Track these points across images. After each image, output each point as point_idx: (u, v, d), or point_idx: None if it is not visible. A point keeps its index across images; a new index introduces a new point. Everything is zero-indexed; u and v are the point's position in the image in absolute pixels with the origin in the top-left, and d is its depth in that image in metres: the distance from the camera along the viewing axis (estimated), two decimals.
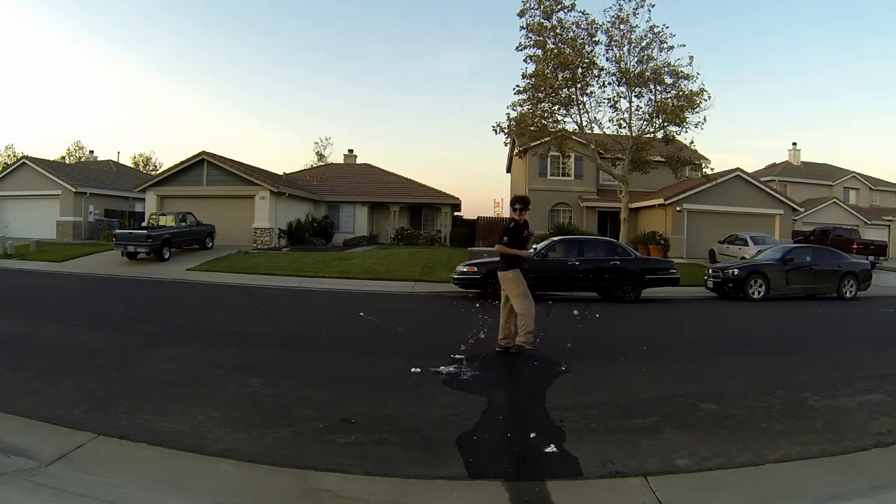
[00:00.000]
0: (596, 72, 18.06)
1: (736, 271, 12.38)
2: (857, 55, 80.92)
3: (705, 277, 13.22)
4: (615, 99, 18.43)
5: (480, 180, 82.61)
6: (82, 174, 27.13)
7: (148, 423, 3.60)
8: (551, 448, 3.33)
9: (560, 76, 17.49)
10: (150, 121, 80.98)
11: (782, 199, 24.23)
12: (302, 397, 4.30)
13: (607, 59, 18.08)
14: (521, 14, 17.48)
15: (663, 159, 19.45)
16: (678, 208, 22.40)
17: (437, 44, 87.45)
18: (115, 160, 38.25)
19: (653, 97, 18.15)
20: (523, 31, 17.53)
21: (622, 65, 17.97)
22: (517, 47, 17.82)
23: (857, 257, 16.39)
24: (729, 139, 75.62)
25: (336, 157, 43.60)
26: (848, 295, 12.88)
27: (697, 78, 17.77)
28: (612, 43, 17.82)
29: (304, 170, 32.60)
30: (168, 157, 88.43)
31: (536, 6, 17.25)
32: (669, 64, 17.76)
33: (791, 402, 4.37)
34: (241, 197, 21.87)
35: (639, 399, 4.39)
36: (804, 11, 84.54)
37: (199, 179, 22.13)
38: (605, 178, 25.44)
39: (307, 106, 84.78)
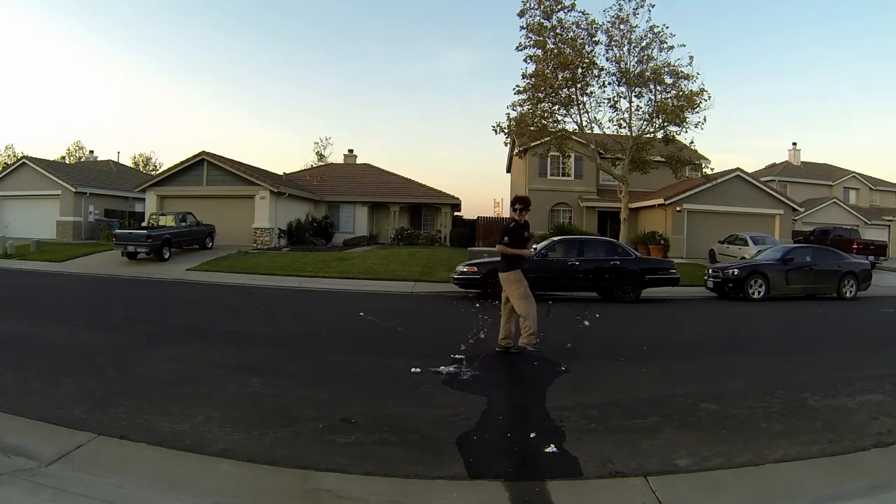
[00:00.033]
0: (596, 72, 18.07)
1: (736, 271, 12.38)
2: (857, 55, 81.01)
3: (705, 277, 13.22)
4: (615, 99, 18.46)
5: (480, 180, 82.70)
6: (82, 174, 27.13)
7: (148, 423, 3.60)
8: (551, 448, 3.33)
9: (560, 76, 17.49)
10: (150, 121, 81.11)
11: (782, 199, 24.23)
12: (302, 397, 4.30)
13: (607, 59, 18.12)
14: (521, 14, 17.49)
15: (663, 159, 19.45)
16: (678, 208, 22.40)
17: (437, 44, 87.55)
18: (115, 160, 38.26)
19: (653, 97, 18.16)
20: (523, 31, 17.54)
21: (622, 65, 17.98)
22: (517, 47, 17.84)
23: (857, 257, 16.39)
24: (729, 139, 75.72)
25: (336, 157, 43.67)
26: (848, 295, 12.88)
27: (697, 78, 17.80)
28: (612, 43, 17.82)
29: (304, 170, 32.61)
30: (168, 157, 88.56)
31: (536, 6, 17.25)
32: (669, 64, 17.78)
33: (791, 402, 4.37)
34: (241, 197, 21.87)
35: (639, 399, 4.39)
36: (804, 11, 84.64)
37: (199, 179, 22.13)
38: (605, 178, 25.44)
39: (307, 106, 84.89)
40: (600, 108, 19.18)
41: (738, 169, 23.59)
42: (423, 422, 3.77)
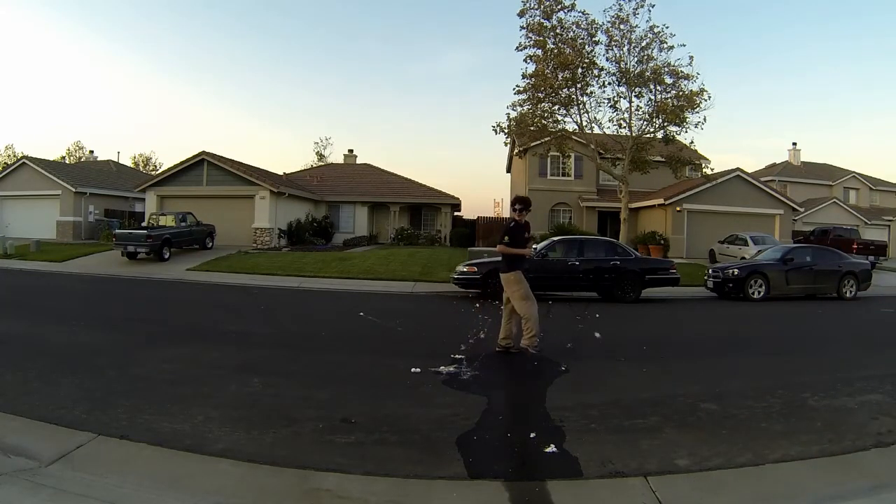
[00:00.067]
0: (596, 72, 18.07)
1: (736, 271, 12.38)
2: (857, 55, 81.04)
3: (705, 277, 13.22)
4: (615, 99, 18.47)
5: (480, 180, 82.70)
6: (82, 174, 27.14)
7: (148, 423, 3.60)
8: (551, 448, 3.33)
9: (560, 76, 17.49)
10: (150, 121, 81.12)
11: (782, 199, 24.24)
12: (302, 397, 4.30)
13: (607, 59, 18.12)
14: (521, 14, 17.49)
15: (663, 159, 19.45)
16: (678, 208, 22.40)
17: (437, 44, 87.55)
18: (115, 160, 38.26)
19: (653, 97, 18.16)
20: (523, 31, 17.55)
21: (622, 65, 17.98)
22: (517, 47, 17.84)
23: (857, 257, 16.39)
24: (729, 139, 75.73)
25: (336, 157, 43.68)
26: (848, 295, 12.88)
27: (697, 78, 17.81)
28: (612, 43, 17.83)
29: (304, 170, 32.61)
30: (168, 157, 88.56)
31: (536, 6, 17.26)
32: (669, 64, 17.78)
33: (791, 402, 4.37)
34: (241, 197, 21.87)
35: (639, 399, 4.39)
36: (804, 11, 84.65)
37: (199, 179, 22.14)
38: (605, 178, 25.45)
39: (307, 106, 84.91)
40: (600, 108, 19.23)
41: (738, 169, 23.59)
42: (423, 422, 3.77)
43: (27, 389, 4.29)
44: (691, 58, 17.78)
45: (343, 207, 26.79)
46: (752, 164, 63.16)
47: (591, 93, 18.34)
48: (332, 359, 5.78)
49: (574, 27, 17.54)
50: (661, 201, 22.84)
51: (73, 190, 24.05)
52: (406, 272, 14.64)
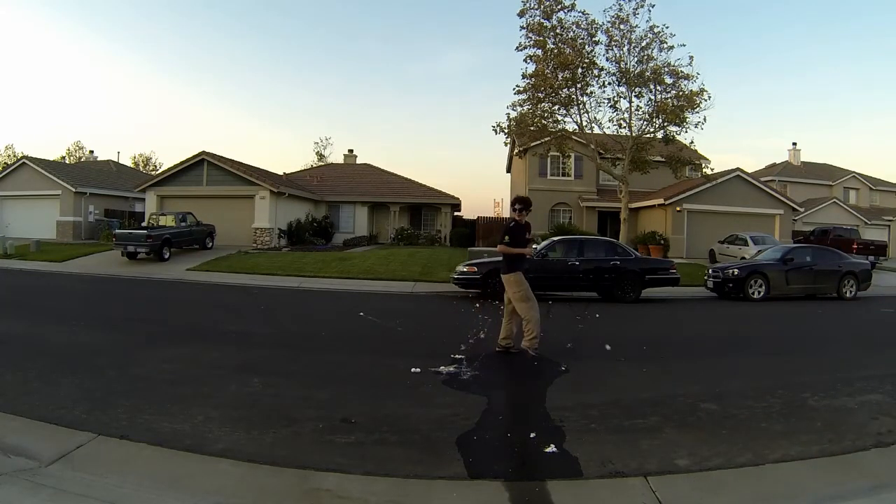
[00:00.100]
0: (596, 72, 18.07)
1: (736, 271, 12.38)
2: (857, 55, 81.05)
3: (705, 277, 13.21)
4: (615, 99, 18.47)
5: (480, 180, 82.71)
6: (82, 174, 27.14)
7: (148, 423, 3.60)
8: (551, 448, 3.33)
9: (560, 76, 17.49)
10: (150, 121, 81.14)
11: (782, 199, 24.24)
12: (302, 397, 4.30)
13: (607, 59, 18.12)
14: (521, 14, 17.49)
15: (663, 159, 19.45)
16: (678, 208, 22.40)
17: (437, 44, 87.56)
18: (115, 160, 38.27)
19: (653, 97, 18.16)
20: (523, 31, 17.55)
21: (622, 65, 17.98)
22: (517, 47, 17.85)
23: (857, 257, 16.38)
24: (729, 139, 75.75)
25: (336, 157, 43.68)
26: (848, 295, 12.88)
27: (697, 78, 17.81)
28: (612, 43, 17.83)
29: (304, 170, 32.61)
30: (168, 157, 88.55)
31: (536, 6, 17.26)
32: (669, 64, 17.78)
33: (791, 402, 4.37)
34: (241, 197, 21.87)
35: (639, 399, 4.39)
36: (804, 11, 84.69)
37: (199, 179, 22.14)
38: (605, 178, 25.45)
39: (307, 106, 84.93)
40: (600, 108, 19.23)
41: (738, 169, 23.59)
42: (423, 422, 3.77)
43: (27, 389, 4.29)
44: (691, 58, 17.82)
45: (343, 207, 26.79)
46: (752, 164, 63.24)
47: (591, 93, 18.38)
48: (332, 359, 5.78)
49: (574, 27, 17.56)
50: (661, 201, 22.84)
51: (73, 190, 24.05)
52: (406, 272, 14.63)
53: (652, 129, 18.58)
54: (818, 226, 26.02)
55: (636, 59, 17.90)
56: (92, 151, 41.07)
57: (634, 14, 17.53)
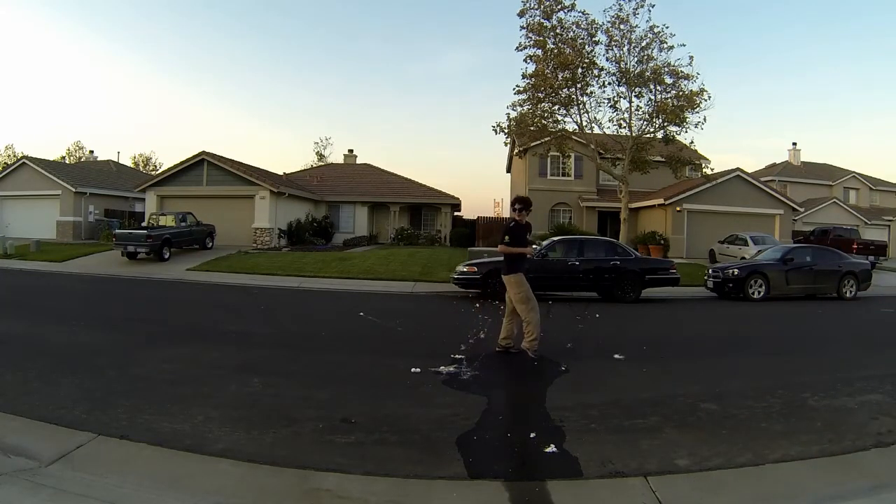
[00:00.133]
0: (596, 72, 18.07)
1: (736, 271, 12.38)
2: (857, 55, 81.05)
3: (705, 277, 13.22)
4: (615, 99, 18.47)
5: (480, 180, 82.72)
6: (82, 174, 27.13)
7: (148, 423, 3.60)
8: (551, 448, 3.33)
9: (560, 76, 17.49)
10: (150, 121, 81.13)
11: (782, 199, 24.24)
12: (302, 397, 4.30)
13: (607, 59, 18.13)
14: (521, 14, 17.49)
15: (663, 159, 19.46)
16: (678, 208, 22.40)
17: (437, 44, 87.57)
18: (115, 160, 38.27)
19: (653, 97, 18.16)
20: (523, 31, 17.55)
21: (622, 65, 17.98)
22: (517, 47, 17.85)
23: (857, 257, 16.39)
24: (729, 139, 75.74)
25: (336, 157, 43.68)
26: (848, 295, 12.88)
27: (697, 78, 17.81)
28: (612, 43, 17.83)
29: (304, 170, 32.61)
30: (168, 157, 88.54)
31: (536, 6, 17.26)
32: (669, 64, 17.79)
33: (791, 402, 4.37)
34: (241, 197, 21.87)
35: (639, 399, 4.39)
36: (804, 11, 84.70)
37: (199, 179, 22.13)
38: (605, 178, 25.45)
39: (307, 106, 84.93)
40: (600, 108, 19.24)
41: (738, 169, 23.59)
42: (423, 422, 3.77)
43: (27, 389, 4.29)
44: (691, 58, 17.82)
45: (343, 207, 26.79)
46: (752, 164, 63.24)
47: (591, 93, 18.38)
48: (332, 359, 5.78)
49: (574, 27, 17.57)
50: (661, 201, 22.84)
51: (73, 190, 24.05)
52: (406, 272, 14.63)
53: (652, 129, 18.58)
54: (818, 226, 26.02)
55: (636, 59, 17.92)
56: (92, 151, 41.12)
57: (634, 14, 17.56)
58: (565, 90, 17.85)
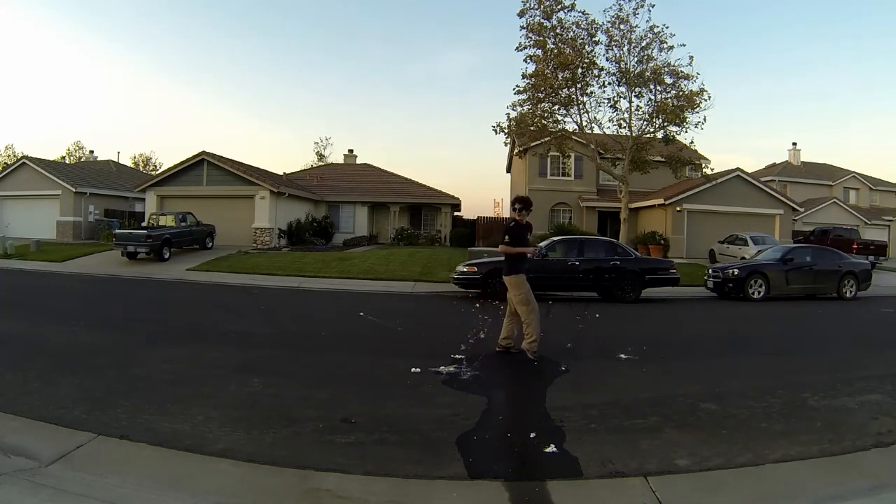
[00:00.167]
0: (596, 72, 18.07)
1: (736, 271, 12.38)
2: (857, 55, 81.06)
3: (705, 277, 13.21)
4: (615, 99, 18.47)
5: (480, 180, 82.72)
6: (82, 174, 27.13)
7: (148, 423, 3.60)
8: (551, 448, 3.33)
9: (560, 76, 17.49)
10: (150, 121, 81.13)
11: (782, 199, 24.24)
12: (302, 397, 4.30)
13: (607, 59, 18.13)
14: (521, 14, 17.49)
15: (663, 159, 19.46)
16: (678, 208, 22.40)
17: (437, 44, 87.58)
18: (115, 160, 38.26)
19: (653, 97, 18.16)
20: (523, 31, 17.55)
21: (622, 65, 17.98)
22: (517, 47, 17.85)
23: (857, 257, 16.39)
24: (729, 139, 75.75)
25: (336, 157, 43.68)
26: (848, 295, 12.88)
27: (697, 78, 17.81)
28: (612, 43, 17.83)
29: (304, 170, 32.61)
30: (168, 157, 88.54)
31: (536, 6, 17.26)
32: (669, 64, 17.78)
33: (791, 402, 4.37)
34: (241, 197, 21.87)
35: (639, 399, 4.39)
36: (804, 11, 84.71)
37: (199, 179, 22.13)
38: (605, 178, 25.45)
39: (307, 106, 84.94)
40: (600, 108, 19.24)
41: (738, 169, 23.59)
42: (423, 422, 3.77)
43: (27, 389, 4.29)
44: (691, 58, 17.82)
45: (343, 207, 26.79)
46: (752, 164, 63.25)
47: (591, 93, 18.38)
48: (332, 359, 5.78)
49: (574, 27, 17.56)
50: (661, 201, 22.84)
51: (73, 190, 24.05)
52: (406, 272, 14.63)
53: (652, 129, 18.58)
54: (818, 226, 26.02)
55: (636, 59, 17.91)
56: (92, 151, 41.11)
57: (634, 14, 17.56)
58: (565, 90, 17.85)
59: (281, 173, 27.89)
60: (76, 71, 78.99)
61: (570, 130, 19.45)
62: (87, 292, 11.61)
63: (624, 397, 4.43)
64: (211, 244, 19.39)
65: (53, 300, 10.42)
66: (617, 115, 18.58)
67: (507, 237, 5.76)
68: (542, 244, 12.33)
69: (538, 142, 21.29)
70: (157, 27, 76.82)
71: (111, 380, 4.65)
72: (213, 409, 3.89)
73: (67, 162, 42.11)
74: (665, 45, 17.71)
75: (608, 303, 10.84)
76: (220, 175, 21.90)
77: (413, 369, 5.05)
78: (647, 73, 17.82)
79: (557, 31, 17.38)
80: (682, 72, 17.62)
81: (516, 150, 26.76)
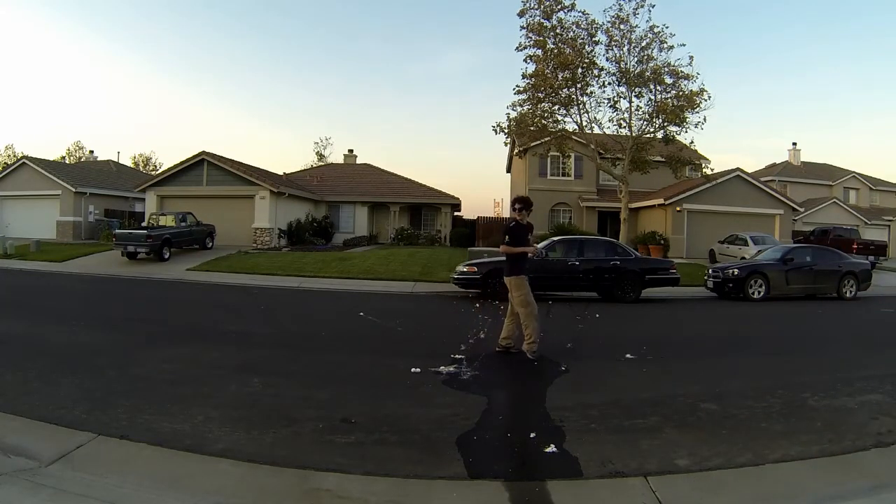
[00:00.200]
0: (596, 72, 18.07)
1: (736, 271, 12.38)
2: (857, 55, 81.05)
3: (705, 277, 13.21)
4: (615, 99, 18.46)
5: (480, 180, 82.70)
6: (82, 174, 27.13)
7: (148, 423, 3.60)
8: (551, 448, 3.33)
9: (560, 76, 17.49)
10: (150, 121, 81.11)
11: (782, 199, 24.23)
12: (302, 397, 4.30)
13: (607, 59, 18.12)
14: (521, 14, 17.49)
15: (663, 159, 19.45)
16: (678, 208, 22.40)
17: (437, 44, 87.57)
18: (115, 160, 38.26)
19: (653, 97, 18.16)
20: (523, 31, 17.55)
21: (622, 65, 17.98)
22: (517, 47, 17.85)
23: (857, 257, 16.39)
24: (729, 139, 75.74)
25: (336, 157, 43.67)
26: (848, 295, 12.88)
27: (697, 78, 17.81)
28: (612, 43, 17.83)
29: (304, 170, 32.60)
30: (168, 157, 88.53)
31: (536, 6, 17.26)
32: (669, 64, 17.78)
33: (791, 402, 4.37)
34: (241, 197, 21.87)
35: (639, 399, 4.39)
36: (804, 11, 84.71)
37: (199, 179, 22.13)
38: (605, 178, 25.44)
39: (307, 106, 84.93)
40: (600, 108, 19.23)
41: (738, 169, 23.59)
42: (423, 422, 3.77)
43: (27, 389, 4.29)
44: (691, 58, 17.81)
45: (343, 207, 26.79)
46: (752, 164, 63.23)
47: (591, 93, 18.37)
48: (332, 359, 5.78)
49: (574, 27, 17.56)
50: (661, 201, 22.84)
51: (73, 190, 24.05)
52: (406, 272, 14.63)
53: (652, 129, 18.58)
54: (818, 226, 26.02)
55: (636, 59, 17.91)
56: (92, 151, 41.11)
57: (634, 14, 17.56)
58: (565, 90, 17.85)
59: (281, 173, 27.90)
60: (76, 71, 79.09)
61: (570, 130, 19.45)
62: (87, 292, 11.61)
63: (624, 397, 4.43)
64: (211, 244, 19.39)
65: (53, 300, 10.42)
66: (617, 115, 18.61)
67: (507, 237, 5.76)
68: (542, 244, 12.33)
69: (538, 142, 21.29)
70: (157, 27, 76.90)
71: (111, 380, 4.65)
72: (213, 409, 3.89)
73: (67, 162, 42.10)
74: (665, 45, 17.73)
75: (608, 303, 10.84)
76: (220, 175, 21.90)
77: (413, 369, 5.05)
78: (647, 73, 17.82)
79: (557, 31, 17.38)
80: (682, 72, 17.63)
81: (516, 150, 26.76)
